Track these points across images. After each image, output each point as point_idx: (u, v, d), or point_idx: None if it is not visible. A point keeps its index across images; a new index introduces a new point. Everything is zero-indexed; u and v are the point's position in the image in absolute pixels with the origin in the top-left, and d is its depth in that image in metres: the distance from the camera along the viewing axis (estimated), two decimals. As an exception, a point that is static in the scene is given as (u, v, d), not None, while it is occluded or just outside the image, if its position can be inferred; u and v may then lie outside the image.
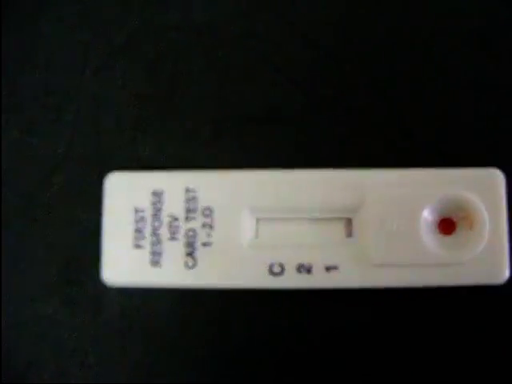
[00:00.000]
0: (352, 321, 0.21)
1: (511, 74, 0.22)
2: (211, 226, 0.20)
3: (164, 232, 0.20)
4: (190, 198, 0.21)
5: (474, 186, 0.20)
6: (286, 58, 0.22)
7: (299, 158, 0.22)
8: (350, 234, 0.21)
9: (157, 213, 0.21)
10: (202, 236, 0.20)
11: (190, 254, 0.20)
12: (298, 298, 0.21)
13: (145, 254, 0.20)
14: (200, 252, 0.20)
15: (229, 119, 0.22)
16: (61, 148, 0.22)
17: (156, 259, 0.20)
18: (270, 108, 0.22)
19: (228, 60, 0.22)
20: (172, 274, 0.20)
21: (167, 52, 0.22)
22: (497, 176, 0.20)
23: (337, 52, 0.22)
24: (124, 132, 0.22)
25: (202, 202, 0.21)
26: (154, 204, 0.21)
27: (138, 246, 0.20)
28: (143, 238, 0.20)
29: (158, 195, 0.21)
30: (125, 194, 0.21)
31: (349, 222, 0.21)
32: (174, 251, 0.20)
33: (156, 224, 0.21)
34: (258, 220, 0.21)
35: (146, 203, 0.21)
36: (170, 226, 0.20)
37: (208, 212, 0.21)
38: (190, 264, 0.20)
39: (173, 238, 0.20)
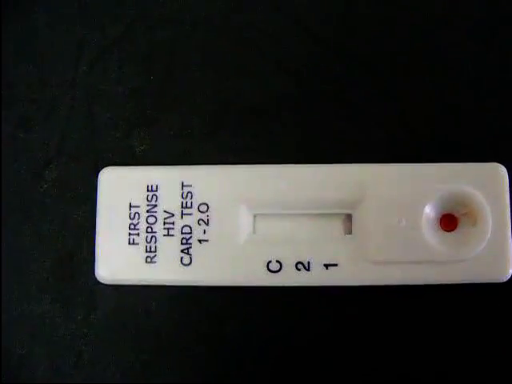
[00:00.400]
0: (351, 319, 0.21)
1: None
2: (207, 222, 0.20)
3: (159, 228, 0.20)
4: (186, 194, 0.20)
5: (477, 181, 0.20)
6: (284, 51, 0.22)
7: (298, 152, 0.21)
8: (349, 230, 0.20)
9: (152, 209, 0.20)
10: (197, 232, 0.20)
11: (186, 251, 0.20)
12: (297, 296, 0.21)
13: (139, 250, 0.20)
14: (196, 249, 0.20)
15: (226, 113, 0.22)
16: (54, 143, 0.22)
17: (151, 256, 0.20)
18: (268, 102, 0.22)
19: (225, 53, 0.22)
20: (167, 271, 0.20)
21: (163, 45, 0.22)
22: (500, 171, 0.20)
23: (337, 45, 0.22)
24: (118, 126, 0.22)
25: (198, 198, 0.20)
26: (148, 200, 0.20)
27: (132, 243, 0.20)
28: (138, 234, 0.20)
29: (152, 191, 0.20)
30: (119, 189, 0.21)
31: (348, 218, 0.20)
32: (169, 248, 0.20)
33: (151, 220, 0.20)
34: (255, 216, 0.21)
35: (140, 199, 0.20)
36: (165, 222, 0.20)
37: (204, 208, 0.20)
38: (186, 261, 0.20)
39: (168, 234, 0.20)
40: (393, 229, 0.20)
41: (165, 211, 0.20)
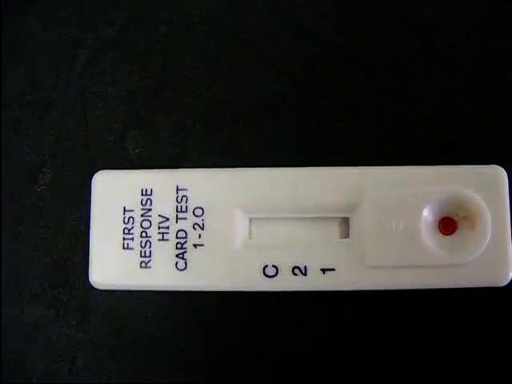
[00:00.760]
0: (349, 324, 0.21)
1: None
2: (202, 227, 0.20)
3: (154, 233, 0.20)
4: (181, 198, 0.20)
5: (476, 183, 0.20)
6: (281, 53, 0.22)
7: (294, 155, 0.21)
8: (346, 234, 0.20)
9: (146, 213, 0.20)
10: (193, 237, 0.20)
11: (181, 256, 0.20)
12: (293, 301, 0.20)
13: (134, 255, 0.20)
14: (191, 253, 0.20)
15: (221, 116, 0.21)
16: (48, 146, 0.21)
17: (145, 261, 0.20)
18: (264, 104, 0.21)
19: (220, 54, 0.22)
20: (162, 276, 0.20)
21: (158, 46, 0.22)
22: (499, 173, 0.20)
23: (334, 46, 0.22)
24: (113, 129, 0.21)
25: (193, 202, 0.20)
26: (143, 204, 0.20)
27: (126, 248, 0.20)
28: (132, 239, 0.20)
29: (147, 195, 0.20)
30: (113, 193, 0.20)
31: (345, 222, 0.20)
32: (164, 252, 0.20)
33: (145, 224, 0.20)
34: (251, 220, 0.20)
35: (134, 203, 0.20)
36: (160, 226, 0.20)
37: (199, 212, 0.20)
38: (181, 266, 0.20)
39: (163, 238, 0.20)
40: (391, 233, 0.20)
41: (159, 215, 0.20)
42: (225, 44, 0.22)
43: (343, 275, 0.20)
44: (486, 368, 0.20)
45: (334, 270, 0.20)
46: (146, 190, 0.20)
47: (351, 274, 0.20)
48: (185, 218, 0.20)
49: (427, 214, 0.20)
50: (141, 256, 0.20)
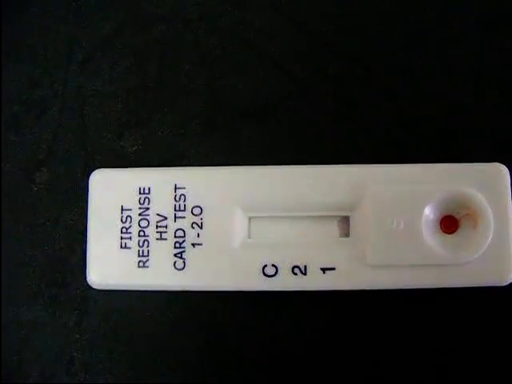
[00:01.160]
0: (349, 324, 0.20)
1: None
2: (201, 226, 0.20)
3: (152, 232, 0.20)
4: (179, 196, 0.20)
5: (478, 181, 0.20)
6: (280, 50, 0.21)
7: (294, 154, 0.21)
8: (347, 233, 0.20)
9: (144, 212, 0.20)
10: (191, 236, 0.20)
11: (179, 255, 0.20)
12: (293, 301, 0.20)
13: (132, 254, 0.20)
14: (189, 253, 0.20)
15: (220, 114, 0.21)
16: (45, 144, 0.21)
17: (143, 260, 0.20)
18: (264, 102, 0.21)
19: (219, 52, 0.21)
20: (160, 275, 0.20)
21: (156, 44, 0.22)
22: (501, 171, 0.20)
23: (334, 44, 0.21)
24: (110, 127, 0.21)
25: (192, 201, 0.20)
26: (141, 203, 0.20)
27: (124, 247, 0.20)
28: (130, 238, 0.20)
29: (145, 193, 0.20)
30: (110, 192, 0.20)
31: (346, 221, 0.20)
32: (162, 252, 0.20)
33: (143, 223, 0.20)
34: (250, 219, 0.20)
35: (132, 202, 0.20)
36: (158, 225, 0.20)
37: (198, 211, 0.20)
38: (179, 265, 0.20)
39: (161, 238, 0.20)
40: (392, 231, 0.19)
41: (157, 214, 0.20)
42: (223, 42, 0.21)
43: (343, 274, 0.19)
44: (488, 367, 0.20)
45: (334, 269, 0.20)
46: (144, 189, 0.20)
47: (351, 274, 0.19)
48: (183, 217, 0.20)
49: (428, 213, 0.20)
50: (139, 255, 0.20)
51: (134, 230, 0.20)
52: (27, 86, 0.21)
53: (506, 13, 0.21)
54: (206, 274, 0.20)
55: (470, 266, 0.19)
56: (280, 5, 0.22)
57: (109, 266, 0.20)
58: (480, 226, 0.19)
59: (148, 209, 0.20)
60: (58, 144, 0.21)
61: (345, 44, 0.21)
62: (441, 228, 0.20)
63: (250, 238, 0.20)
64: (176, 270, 0.20)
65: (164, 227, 0.20)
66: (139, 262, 0.20)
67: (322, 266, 0.20)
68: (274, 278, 0.20)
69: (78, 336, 0.21)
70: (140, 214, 0.20)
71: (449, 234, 0.20)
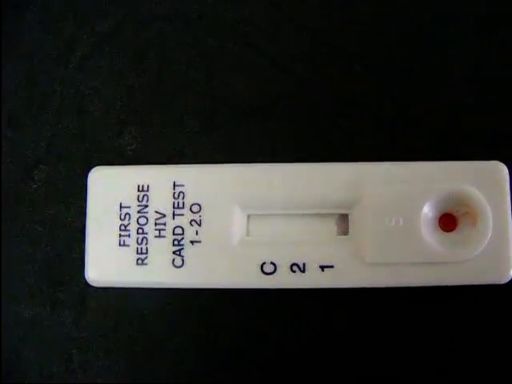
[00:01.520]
0: (348, 322, 0.20)
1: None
2: (200, 223, 0.20)
3: (150, 229, 0.20)
4: (178, 194, 0.20)
5: (477, 179, 0.20)
6: (279, 48, 0.21)
7: (292, 151, 0.21)
8: (345, 230, 0.20)
9: (143, 209, 0.20)
10: (190, 233, 0.20)
11: (178, 253, 0.20)
12: (291, 299, 0.20)
13: (130, 252, 0.20)
14: (188, 250, 0.20)
15: (219, 111, 0.21)
16: (43, 142, 0.21)
17: (142, 258, 0.20)
18: (262, 100, 0.21)
19: (218, 50, 0.21)
20: (159, 273, 0.20)
21: (155, 42, 0.22)
22: (500, 169, 0.20)
23: (333, 42, 0.21)
24: (109, 125, 0.21)
25: (190, 198, 0.20)
26: (139, 200, 0.20)
27: (123, 244, 0.20)
28: (128, 235, 0.20)
29: (143, 191, 0.20)
30: (109, 189, 0.20)
31: (344, 219, 0.20)
32: (160, 249, 0.20)
33: (142, 221, 0.20)
34: (248, 216, 0.20)
35: (131, 199, 0.20)
36: (157, 222, 0.20)
37: (196, 208, 0.20)
38: (178, 263, 0.20)
39: (159, 235, 0.20)
40: (390, 229, 0.19)
41: (156, 212, 0.20)
42: (222, 40, 0.21)
43: (342, 272, 0.19)
44: (487, 365, 0.20)
45: (332, 266, 0.19)
46: (143, 186, 0.20)
47: (350, 271, 0.19)
48: (182, 215, 0.20)
49: (427, 211, 0.20)
50: (137, 253, 0.20)
51: (133, 227, 0.20)
52: (26, 84, 0.21)
53: (506, 13, 0.21)
54: (204, 271, 0.20)
55: (468, 264, 0.19)
56: (279, 3, 0.22)
57: (107, 263, 0.20)
58: (479, 224, 0.19)
59: (147, 206, 0.20)
60: (56, 141, 0.21)
61: (344, 43, 0.21)
62: (440, 226, 0.20)
63: (248, 235, 0.20)
64: (175, 268, 0.20)
65: (163, 225, 0.20)
66: (138, 259, 0.20)
67: (321, 264, 0.19)
68: (272, 275, 0.20)
69: (76, 333, 0.21)
70: (139, 212, 0.20)
71: (448, 231, 0.20)
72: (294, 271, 0.20)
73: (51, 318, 0.21)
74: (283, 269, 0.20)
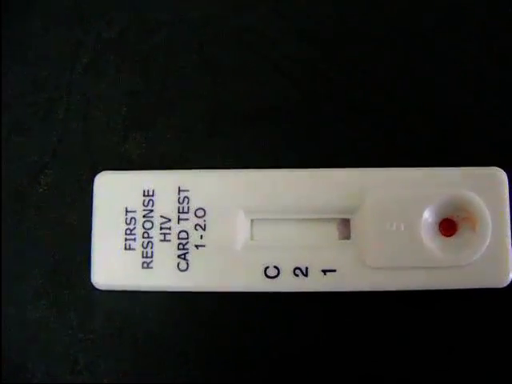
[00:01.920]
0: (350, 325, 0.21)
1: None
2: (204, 228, 0.20)
3: (155, 233, 0.20)
4: (183, 199, 0.20)
5: (476, 185, 0.20)
6: (282, 54, 0.22)
7: (296, 157, 0.21)
8: (348, 235, 0.20)
9: (148, 214, 0.20)
10: (194, 237, 0.20)
11: (183, 256, 0.20)
12: (294, 302, 0.20)
13: (136, 256, 0.20)
14: (193, 254, 0.20)
15: (223, 117, 0.21)
16: (50, 147, 0.21)
17: (147, 261, 0.20)
18: (266, 106, 0.21)
19: (222, 56, 0.22)
20: (164, 276, 0.20)
21: (159, 48, 0.22)
22: (499, 175, 0.20)
23: (335, 48, 0.22)
24: (115, 130, 0.21)
25: (195, 203, 0.20)
26: (145, 205, 0.20)
27: (128, 248, 0.20)
28: (134, 239, 0.20)
29: (149, 195, 0.20)
30: (115, 194, 0.20)
31: (347, 223, 0.20)
32: (165, 253, 0.20)
33: (147, 225, 0.20)
34: (252, 221, 0.20)
35: (136, 204, 0.20)
36: (162, 227, 0.20)
37: (201, 213, 0.20)
38: (183, 266, 0.20)
39: (165, 239, 0.20)
40: (391, 234, 0.20)
41: (161, 216, 0.20)
42: (226, 46, 0.22)
43: (344, 276, 0.20)
44: (487, 369, 0.20)
45: (335, 271, 0.20)
46: (148, 191, 0.20)
47: (352, 275, 0.20)
48: (186, 219, 0.20)
49: (428, 216, 0.20)
50: (142, 257, 0.20)
51: (138, 231, 0.20)
52: (32, 89, 0.22)
53: (506, 13, 0.21)
54: (208, 275, 0.20)
55: (468, 268, 0.19)
56: (282, 10, 0.22)
57: (113, 267, 0.20)
58: (478, 228, 0.20)
59: (152, 211, 0.20)
60: (62, 146, 0.21)
61: (345, 49, 0.21)
62: (440, 231, 0.20)
63: (252, 239, 0.20)
64: (179, 271, 0.20)
65: (168, 229, 0.20)
66: (143, 263, 0.20)
67: (323, 268, 0.20)
68: (275, 279, 0.20)
69: (82, 336, 0.21)
70: (144, 216, 0.20)
71: (448, 236, 0.20)
72: (297, 275, 0.20)
73: (57, 321, 0.21)
74: (286, 273, 0.20)
